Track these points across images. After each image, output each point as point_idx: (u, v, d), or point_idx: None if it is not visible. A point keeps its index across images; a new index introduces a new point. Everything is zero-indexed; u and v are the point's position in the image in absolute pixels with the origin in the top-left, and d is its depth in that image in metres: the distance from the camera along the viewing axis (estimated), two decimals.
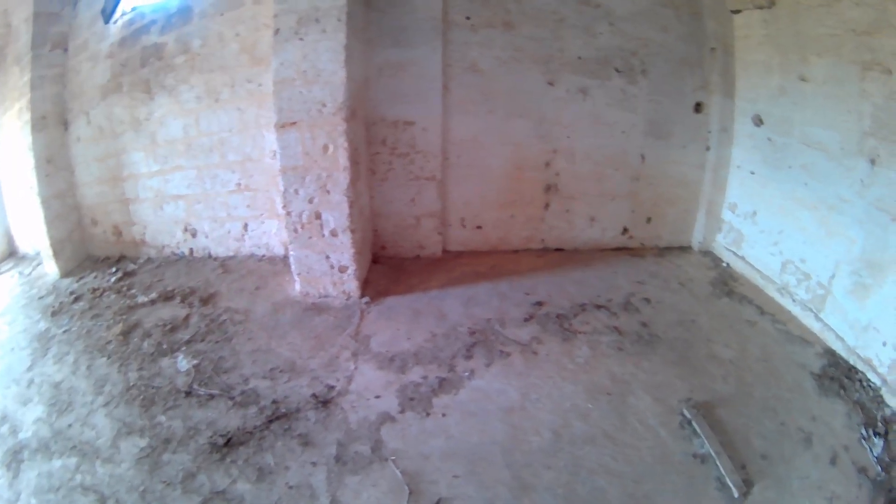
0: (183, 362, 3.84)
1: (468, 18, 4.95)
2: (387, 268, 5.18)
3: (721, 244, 6.28)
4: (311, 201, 4.29)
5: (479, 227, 5.62)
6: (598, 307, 4.74)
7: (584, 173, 5.78)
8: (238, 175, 5.31)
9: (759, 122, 5.68)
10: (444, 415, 3.33)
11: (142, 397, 3.54)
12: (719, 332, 4.63)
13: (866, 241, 4.44)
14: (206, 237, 5.63)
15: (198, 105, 5.23)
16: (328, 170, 4.22)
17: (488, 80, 5.13)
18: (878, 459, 3.51)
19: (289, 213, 4.36)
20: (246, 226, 5.46)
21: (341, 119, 4.06)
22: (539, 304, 4.65)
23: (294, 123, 4.13)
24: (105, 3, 5.43)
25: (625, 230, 6.20)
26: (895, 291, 4.14)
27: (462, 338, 4.13)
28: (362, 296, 4.62)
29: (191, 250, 5.70)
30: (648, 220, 6.24)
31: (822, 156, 4.94)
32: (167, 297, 4.79)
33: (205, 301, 4.68)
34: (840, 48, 4.66)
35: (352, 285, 4.58)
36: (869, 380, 4.20)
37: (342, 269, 4.51)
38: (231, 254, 5.54)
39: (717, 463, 3.08)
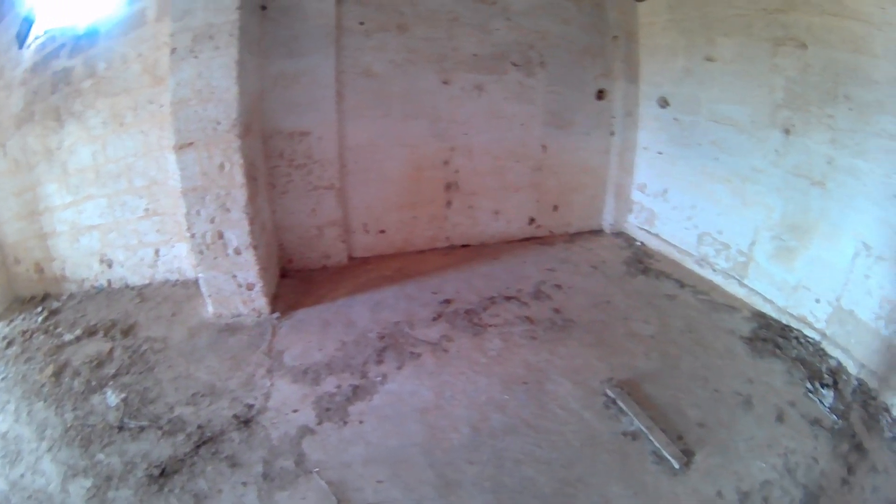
0: (112, 397, 3.84)
1: (362, 24, 5.02)
2: (295, 281, 5.20)
3: (633, 224, 6.51)
4: (212, 221, 4.28)
5: (382, 232, 5.68)
6: (508, 298, 4.85)
7: (483, 168, 5.92)
8: (146, 200, 5.24)
9: (664, 103, 5.88)
10: (360, 422, 3.38)
11: (80, 437, 3.54)
12: (637, 310, 4.78)
13: (786, 206, 4.70)
14: (122, 266, 5.56)
15: (104, 130, 5.14)
16: (226, 188, 4.22)
17: (383, 83, 5.20)
18: (832, 409, 3.70)
19: (193, 235, 4.34)
20: (157, 251, 5.40)
21: (235, 136, 4.09)
22: (447, 301, 4.75)
23: (191, 144, 4.12)
24: (19, 26, 5.28)
25: (531, 220, 6.36)
26: (822, 251, 4.41)
27: (372, 343, 4.20)
28: (273, 311, 4.63)
29: (108, 282, 5.61)
30: (555, 208, 6.41)
31: (732, 130, 5.18)
32: (91, 333, 4.75)
33: (125, 333, 4.66)
34: (750, 28, 4.89)
35: (261, 302, 4.59)
36: (806, 336, 4.44)
37: (250, 287, 4.52)
38: (146, 281, 5.47)
39: (651, 437, 3.18)
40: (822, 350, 4.36)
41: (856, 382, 4.05)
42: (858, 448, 3.46)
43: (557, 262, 5.72)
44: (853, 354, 4.17)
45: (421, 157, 5.59)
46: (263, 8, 4.64)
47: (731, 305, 4.91)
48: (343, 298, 4.86)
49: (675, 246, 5.91)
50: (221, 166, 4.15)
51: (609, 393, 3.59)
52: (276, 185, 5.09)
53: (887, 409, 3.76)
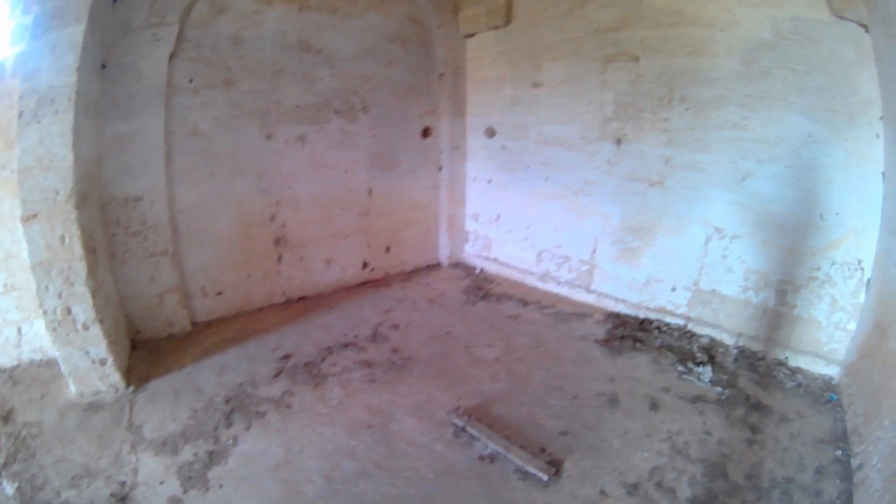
0: (8, 488, 3.97)
1: (191, 81, 5.24)
2: (145, 352, 5.39)
3: (471, 253, 7.24)
4: (60, 296, 4.44)
5: (220, 293, 5.83)
6: (346, 346, 5.25)
7: (311, 219, 6.28)
8: (4, 275, 5.20)
9: (492, 133, 6.66)
10: (220, 486, 3.62)
11: None
12: (479, 336, 5.24)
13: (624, 211, 5.52)
14: None
15: None
16: (68, 261, 4.36)
17: (208, 142, 5.44)
18: (714, 381, 4.38)
19: (45, 312, 4.47)
20: (20, 330, 5.40)
21: (72, 206, 4.16)
22: (286, 357, 5.05)
23: (35, 216, 4.25)
24: None
25: (365, 264, 6.85)
26: (667, 245, 5.25)
27: (220, 407, 4.51)
28: (128, 385, 4.87)
29: None
30: (388, 249, 6.95)
31: (561, 149, 5.97)
32: None
33: (5, 419, 4.76)
34: (579, 49, 5.68)
35: (115, 377, 4.81)
36: (668, 324, 5.22)
37: (102, 363, 4.72)
38: (14, 363, 5.45)
39: (510, 457, 3.45)
40: (690, 332, 5.11)
41: (735, 351, 4.83)
42: (757, 407, 4.08)
43: (394, 301, 6.18)
44: (726, 328, 4.95)
45: (248, 214, 5.83)
46: (103, 67, 4.77)
47: (580, 313, 5.49)
48: (190, 365, 5.12)
49: (514, 267, 6.61)
50: (62, 238, 4.31)
51: (456, 422, 3.87)
52: (116, 254, 5.21)
53: (781, 363, 4.58)
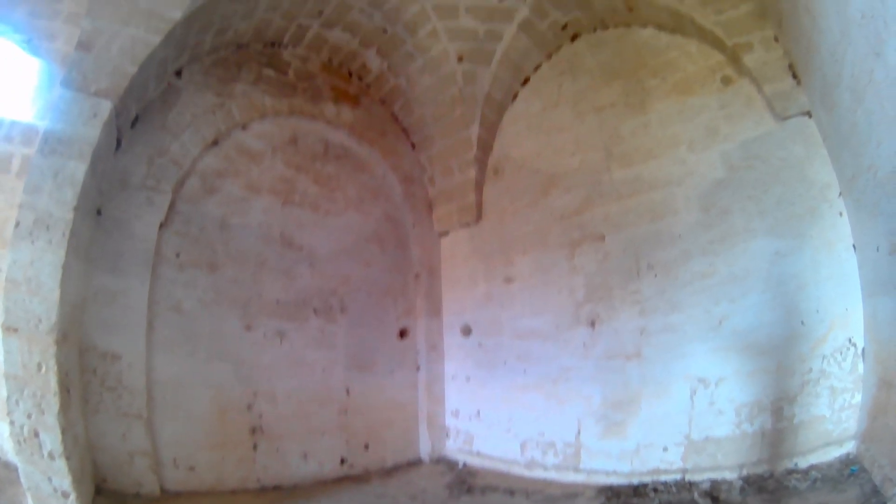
0: None
1: (178, 255, 5.65)
2: (110, 501, 5.22)
3: (453, 448, 7.32)
4: (29, 416, 4.49)
5: (192, 468, 5.72)
6: None
7: (288, 413, 6.35)
8: None
9: (467, 331, 7.13)
10: None
11: None
12: None
13: (605, 390, 5.78)
14: None
15: None
16: (42, 390, 4.46)
17: (191, 321, 5.69)
18: None
19: (12, 423, 4.51)
20: None
21: (53, 341, 4.34)
22: None
23: (16, 330, 4.34)
24: None
25: (343, 461, 6.82)
26: (652, 410, 5.46)
27: None
28: None
29: None
30: (366, 446, 6.99)
31: (536, 341, 6.37)
32: None
33: None
34: (546, 239, 6.39)
35: None
36: (663, 482, 5.26)
37: (65, 496, 4.62)
38: None
39: None
40: (688, 482, 5.14)
41: (741, 482, 4.83)
42: None
43: (374, 497, 6.07)
44: (726, 466, 5.02)
45: (226, 399, 5.92)
46: (98, 213, 5.15)
47: (570, 494, 5.49)
48: None
49: (499, 459, 6.68)
50: (39, 366, 4.45)
51: None
52: (90, 401, 5.23)
53: (791, 471, 4.62)
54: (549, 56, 7.33)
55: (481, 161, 7.66)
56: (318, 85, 7.36)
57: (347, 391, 6.93)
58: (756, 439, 4.94)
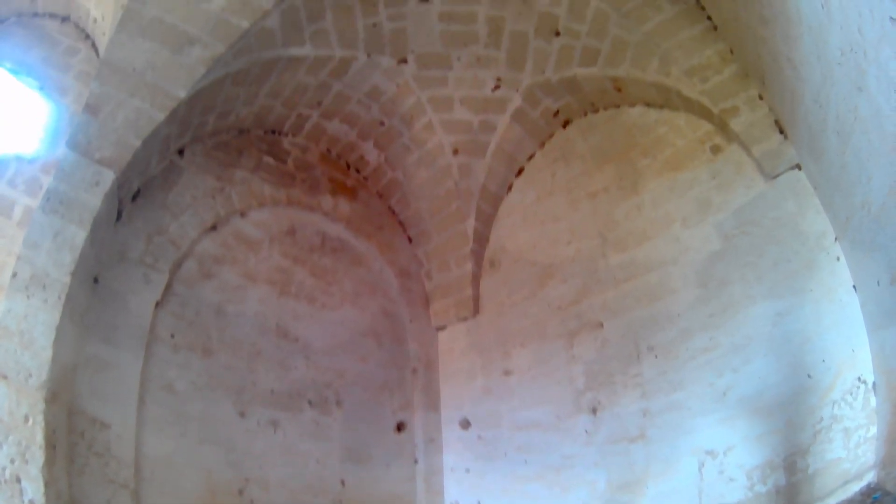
0: None
1: (172, 336, 5.60)
2: None
3: None
4: (12, 461, 4.38)
5: None
6: None
7: (280, 501, 6.05)
8: None
9: (466, 425, 7.07)
10: None
11: None
12: None
13: (609, 475, 5.69)
14: None
15: None
16: (27, 441, 4.39)
17: (183, 402, 5.59)
18: None
19: None
20: None
21: (41, 398, 4.35)
22: None
23: (6, 377, 4.40)
24: None
25: None
26: (659, 489, 5.39)
27: None
28: None
29: None
30: None
31: (536, 432, 6.33)
32: None
33: None
34: (544, 330, 6.45)
35: None
36: None
37: None
38: None
39: None
40: None
41: None
42: None
43: None
44: None
45: (216, 483, 5.73)
46: (96, 281, 5.16)
47: None
48: None
49: None
50: (26, 418, 4.41)
51: None
52: (75, 461, 5.08)
53: None
54: (542, 144, 7.59)
55: (478, 254, 7.78)
56: (317, 176, 7.56)
57: (343, 483, 6.72)
58: (770, 498, 4.78)
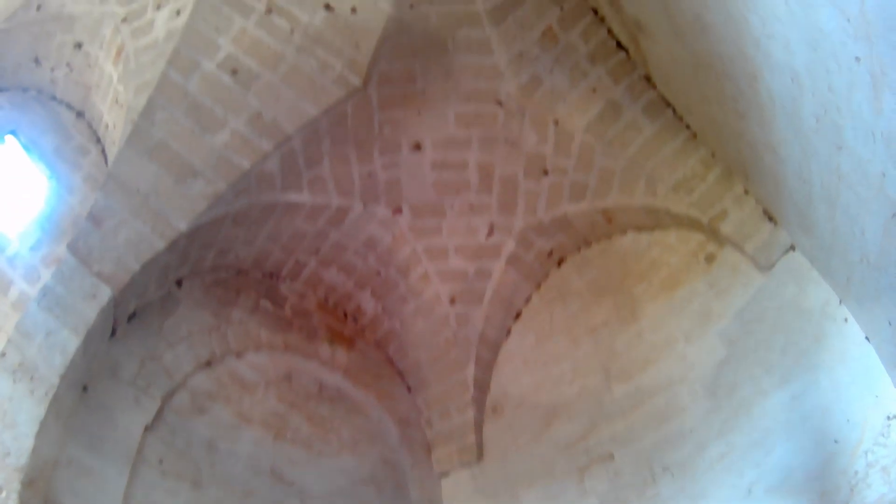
0: None
1: (161, 462, 5.39)
2: None
3: None
4: None
5: None
6: None
7: None
8: None
9: None
10: None
11: None
12: None
13: None
14: None
15: None
16: None
17: None
18: None
19: None
20: None
21: (18, 480, 4.26)
22: None
23: None
24: None
25: None
26: None
27: None
28: None
29: None
30: None
31: None
32: None
33: None
34: (552, 469, 6.28)
35: None
36: None
37: None
38: None
39: None
40: None
41: None
42: None
43: None
44: None
45: None
46: (85, 389, 5.07)
47: None
48: None
49: None
50: (0, 489, 4.22)
51: None
52: None
53: None
54: (539, 286, 7.67)
55: (479, 401, 7.62)
56: (314, 324, 7.58)
57: None
58: None
